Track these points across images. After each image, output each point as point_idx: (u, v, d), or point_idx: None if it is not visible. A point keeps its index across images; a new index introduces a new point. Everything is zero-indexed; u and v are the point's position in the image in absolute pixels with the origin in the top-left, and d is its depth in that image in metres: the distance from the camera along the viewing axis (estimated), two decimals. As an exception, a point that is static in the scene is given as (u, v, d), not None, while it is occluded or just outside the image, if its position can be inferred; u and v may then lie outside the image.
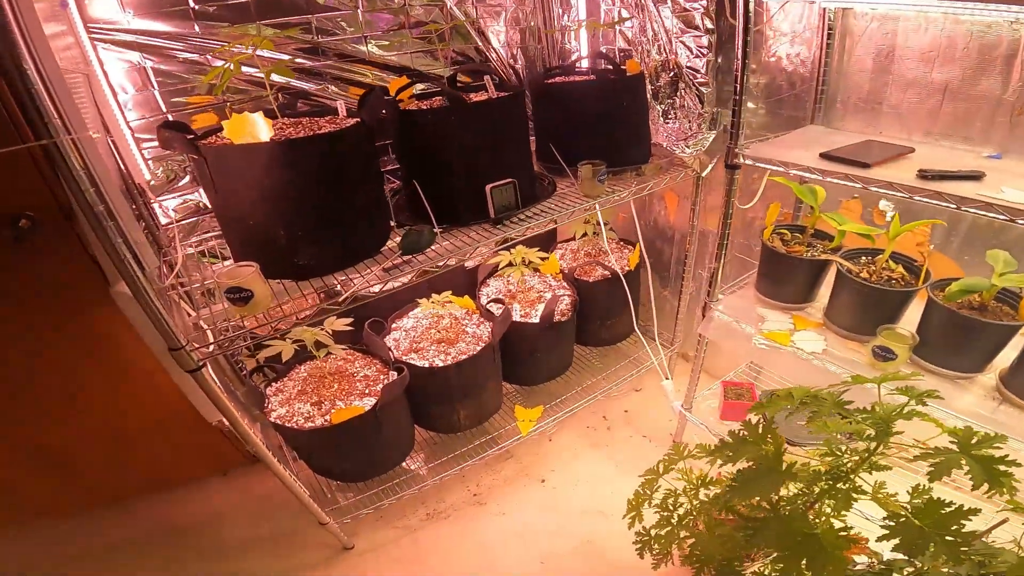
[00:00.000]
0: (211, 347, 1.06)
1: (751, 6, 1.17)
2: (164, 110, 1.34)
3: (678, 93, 1.73)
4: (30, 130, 0.75)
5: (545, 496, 1.76)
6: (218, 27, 1.36)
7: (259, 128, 0.97)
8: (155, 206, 1.39)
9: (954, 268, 1.35)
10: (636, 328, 1.76)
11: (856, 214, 1.50)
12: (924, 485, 0.84)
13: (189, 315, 1.16)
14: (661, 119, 1.79)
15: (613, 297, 1.85)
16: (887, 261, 1.28)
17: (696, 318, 1.62)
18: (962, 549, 0.72)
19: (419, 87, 1.63)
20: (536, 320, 1.73)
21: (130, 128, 1.29)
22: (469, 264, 2.09)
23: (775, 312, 1.42)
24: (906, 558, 0.82)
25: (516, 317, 1.77)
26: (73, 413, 1.53)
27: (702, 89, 1.64)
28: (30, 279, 1.26)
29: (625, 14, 1.77)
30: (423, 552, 1.62)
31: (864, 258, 1.33)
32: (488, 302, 1.76)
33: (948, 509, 0.75)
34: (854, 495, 0.85)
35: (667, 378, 1.74)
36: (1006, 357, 1.15)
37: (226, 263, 1.36)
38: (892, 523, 0.78)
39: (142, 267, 0.89)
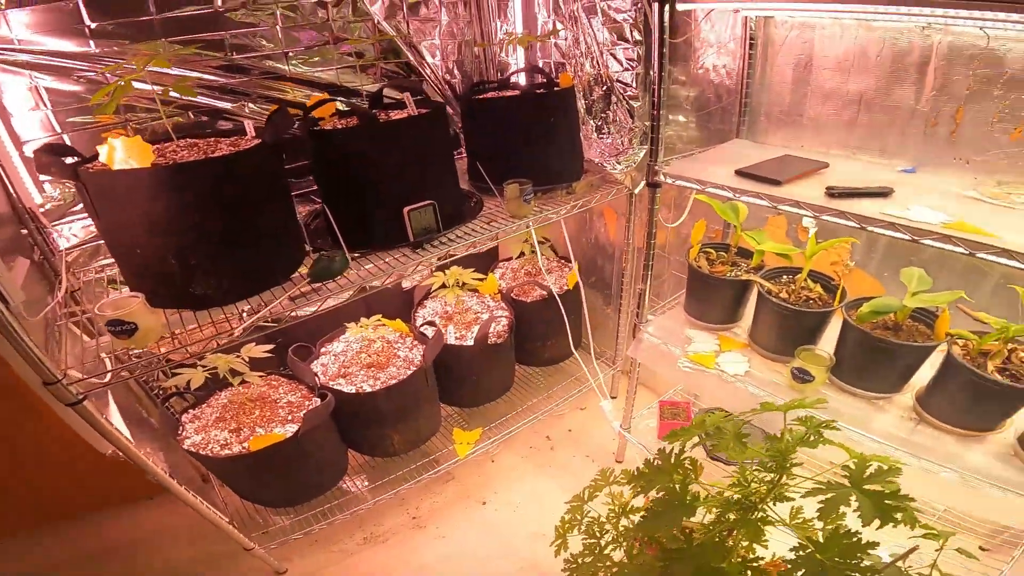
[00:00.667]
0: (107, 376, 1.02)
1: (666, 19, 1.18)
2: (59, 131, 1.30)
3: (611, 107, 1.75)
4: None
5: (487, 518, 1.75)
6: (121, 45, 1.33)
7: (137, 153, 0.95)
8: (54, 230, 1.35)
9: (875, 285, 1.38)
10: (572, 348, 1.75)
11: (782, 231, 1.53)
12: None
13: (86, 344, 1.13)
14: (595, 134, 1.80)
15: (551, 317, 1.85)
16: (805, 280, 1.30)
17: (629, 339, 1.63)
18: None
19: (344, 102, 1.62)
20: (471, 343, 1.72)
21: (19, 150, 1.24)
22: (406, 285, 2.08)
23: (702, 333, 1.43)
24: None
25: (451, 339, 1.75)
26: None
27: (632, 103, 1.65)
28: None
29: (559, 27, 1.79)
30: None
31: (785, 277, 1.36)
32: (422, 325, 1.74)
33: (850, 541, 0.75)
34: (763, 525, 0.86)
35: (605, 398, 1.74)
36: (924, 376, 1.17)
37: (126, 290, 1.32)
38: (798, 555, 0.79)
39: (5, 301, 0.85)
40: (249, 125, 1.25)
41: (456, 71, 1.95)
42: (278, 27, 1.55)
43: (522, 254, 2.05)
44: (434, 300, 1.97)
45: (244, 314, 1.14)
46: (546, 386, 2.02)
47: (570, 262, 2.06)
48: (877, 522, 0.72)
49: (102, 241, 1.42)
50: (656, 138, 1.29)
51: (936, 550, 0.81)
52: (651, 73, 1.57)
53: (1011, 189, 1.09)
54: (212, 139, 1.20)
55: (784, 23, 1.38)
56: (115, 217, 1.01)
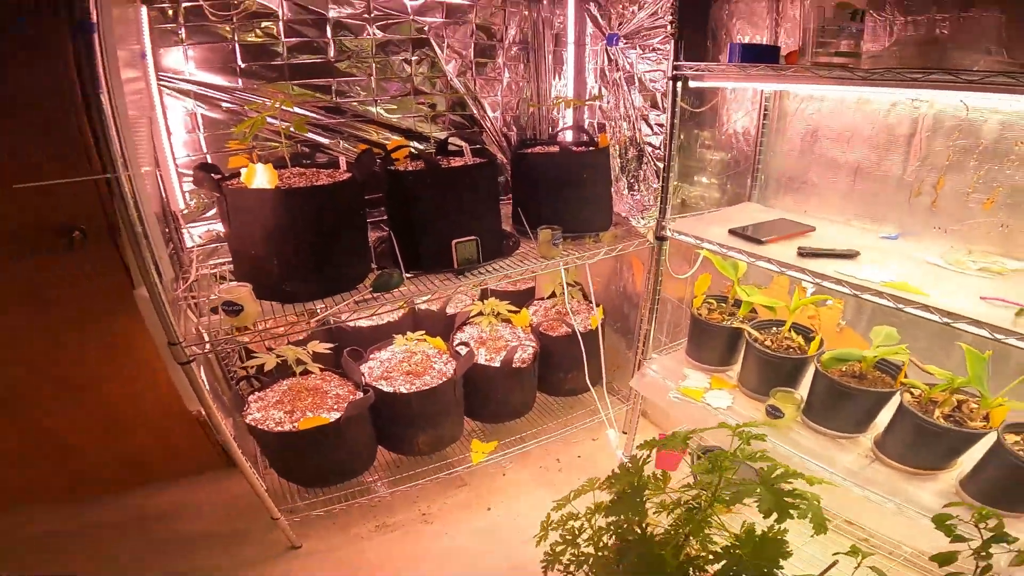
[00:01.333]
0: (205, 347, 1.37)
1: (678, 102, 1.49)
2: (204, 151, 1.71)
3: (642, 167, 2.05)
4: (100, 162, 1.09)
5: (490, 522, 1.97)
6: (259, 84, 1.75)
7: (268, 178, 1.31)
8: (185, 231, 1.74)
9: (862, 343, 1.58)
10: (588, 381, 2.01)
11: (784, 288, 1.76)
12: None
13: (194, 322, 1.48)
14: (626, 191, 2.11)
15: (573, 352, 2.11)
16: (789, 332, 1.53)
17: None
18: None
19: (416, 147, 2.00)
20: (497, 364, 2.00)
21: (176, 164, 1.66)
22: (450, 311, 2.40)
23: (698, 373, 1.67)
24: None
25: (481, 360, 2.04)
26: (80, 402, 1.84)
27: (659, 164, 1.95)
28: (71, 284, 1.60)
29: (603, 92, 2.12)
30: (365, 560, 1.83)
31: (774, 329, 1.59)
32: (457, 344, 2.05)
33: (765, 539, 0.97)
34: (704, 522, 1.08)
35: (613, 428, 1.98)
36: (884, 420, 1.37)
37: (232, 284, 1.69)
38: (725, 550, 1.01)
39: (160, 277, 1.21)
40: (343, 160, 1.62)
41: (513, 125, 2.31)
42: (372, 78, 1.95)
43: (554, 294, 2.34)
44: (472, 326, 2.27)
45: (319, 310, 1.47)
46: (562, 413, 2.27)
47: (596, 305, 2.34)
48: (775, 516, 0.94)
49: (215, 245, 1.82)
50: (664, 198, 1.58)
51: (855, 566, 1.01)
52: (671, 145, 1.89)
53: (977, 257, 1.27)
54: (313, 169, 1.58)
55: (795, 95, 1.59)
56: (242, 223, 1.37)
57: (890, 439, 1.33)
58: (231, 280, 1.73)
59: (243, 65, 1.72)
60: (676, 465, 1.78)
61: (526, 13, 2.17)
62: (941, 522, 0.88)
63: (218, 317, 1.39)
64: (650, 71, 1.87)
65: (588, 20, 2.07)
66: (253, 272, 1.43)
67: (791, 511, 0.94)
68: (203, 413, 1.48)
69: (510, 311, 2.13)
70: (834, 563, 1.08)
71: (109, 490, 2.08)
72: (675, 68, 1.42)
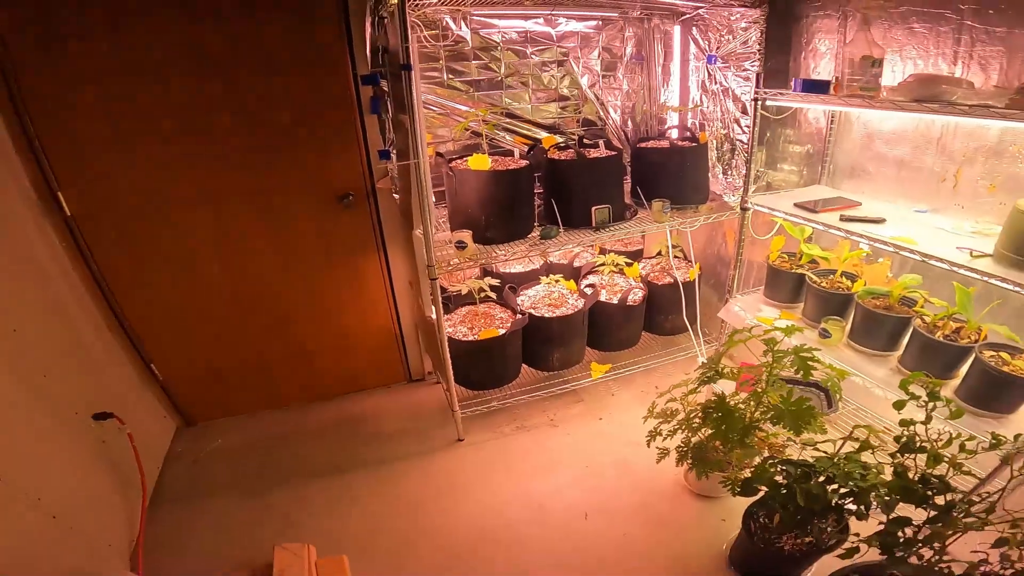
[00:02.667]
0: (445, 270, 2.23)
1: (758, 117, 2.18)
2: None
3: (734, 157, 2.74)
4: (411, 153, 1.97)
5: (600, 428, 2.71)
6: (461, 93, 2.59)
7: (486, 163, 2.16)
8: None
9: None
10: (686, 322, 2.74)
11: (846, 248, 2.39)
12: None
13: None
14: (721, 175, 2.80)
15: (673, 298, 2.85)
16: (840, 277, 2.20)
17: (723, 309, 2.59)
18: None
19: (559, 140, 2.79)
20: (615, 302, 2.77)
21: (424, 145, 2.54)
22: (576, 264, 3.19)
23: (770, 308, 2.37)
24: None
25: (602, 298, 2.82)
26: (326, 324, 2.74)
27: (746, 155, 2.63)
28: (343, 231, 2.53)
29: (704, 99, 2.82)
30: (509, 450, 2.60)
31: (830, 276, 2.25)
32: (585, 286, 2.84)
33: (804, 406, 1.67)
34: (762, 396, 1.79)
35: (703, 357, 2.70)
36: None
37: (443, 234, 2.55)
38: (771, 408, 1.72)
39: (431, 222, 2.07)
40: (516, 151, 2.44)
41: (630, 123, 3.05)
42: (529, 89, 2.75)
43: (659, 254, 3.08)
44: (594, 275, 3.05)
45: (503, 254, 2.30)
46: (662, 348, 3.01)
47: (693, 263, 3.05)
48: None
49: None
50: (747, 180, 2.28)
51: (864, 438, 1.67)
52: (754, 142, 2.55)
53: (977, 225, 1.84)
54: (500, 156, 2.41)
55: (853, 107, 2.25)
56: (462, 192, 2.22)
57: (908, 355, 1.95)
58: (440, 230, 2.61)
59: (446, 77, 2.55)
60: (749, 388, 2.47)
61: (641, 34, 2.89)
62: (904, 385, 1.44)
63: (444, 253, 2.25)
64: (740, 86, 2.56)
65: (691, 42, 2.77)
66: (467, 224, 2.27)
67: (812, 371, 1.64)
68: (433, 317, 2.33)
69: (626, 262, 2.89)
70: (851, 433, 1.68)
71: (332, 395, 3.00)
72: (756, 93, 2.12)
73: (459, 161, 2.32)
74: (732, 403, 1.89)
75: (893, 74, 1.99)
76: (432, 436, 2.71)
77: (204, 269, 2.42)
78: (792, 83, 1.98)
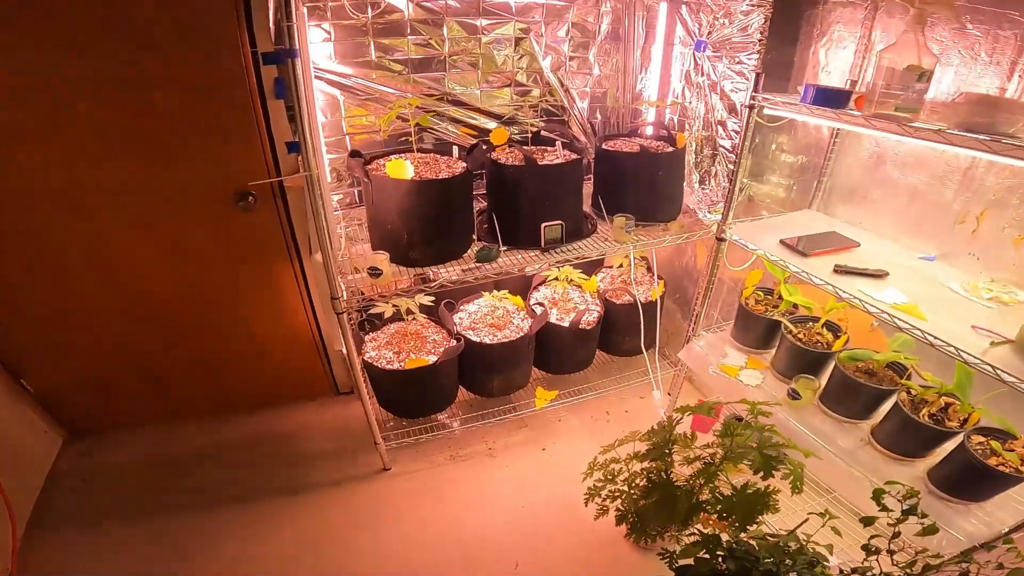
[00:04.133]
0: (354, 301, 1.86)
1: (751, 128, 1.79)
2: (345, 132, 2.17)
3: (714, 166, 2.36)
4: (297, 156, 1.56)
5: (543, 460, 2.45)
6: (390, 75, 2.15)
7: (406, 170, 1.76)
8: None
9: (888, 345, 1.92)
10: (642, 346, 2.42)
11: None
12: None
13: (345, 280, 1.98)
14: (697, 185, 2.43)
15: (632, 318, 2.53)
16: (821, 328, 1.89)
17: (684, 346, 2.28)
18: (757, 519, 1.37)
19: (513, 131, 2.38)
20: (566, 324, 2.44)
21: (324, 144, 2.12)
22: (529, 271, 2.82)
23: (737, 352, 2.06)
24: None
25: (553, 319, 2.48)
26: (233, 332, 2.39)
27: (730, 166, 2.25)
28: (245, 237, 2.13)
29: (687, 93, 2.41)
30: (440, 482, 2.35)
31: (810, 324, 1.94)
32: (534, 304, 2.49)
33: (754, 493, 1.39)
34: (717, 477, 1.51)
35: (659, 389, 2.40)
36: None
37: (361, 245, 2.17)
38: (723, 499, 1.44)
39: (332, 245, 1.69)
40: (455, 149, 2.04)
41: (599, 114, 2.64)
42: (479, 71, 2.32)
43: (621, 265, 2.73)
44: (546, 287, 2.71)
45: (431, 274, 1.93)
46: (617, 371, 2.71)
47: (659, 278, 2.72)
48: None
49: (342, 210, 2.30)
50: (728, 205, 1.91)
51: (821, 525, 1.38)
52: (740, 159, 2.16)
53: (995, 286, 1.54)
54: (433, 155, 2.01)
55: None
56: (381, 203, 1.83)
57: (882, 428, 1.68)
58: (360, 241, 2.23)
59: (374, 58, 2.11)
60: (709, 429, 2.19)
61: (620, 8, 2.45)
62: (877, 495, 1.20)
63: (360, 276, 1.88)
64: (732, 83, 2.15)
65: (679, 23, 2.34)
66: (386, 240, 1.89)
67: (774, 470, 1.35)
68: (343, 351, 2.00)
69: (581, 278, 2.54)
70: (805, 520, 1.42)
71: (245, 408, 2.69)
72: (752, 99, 1.72)
73: (379, 163, 1.91)
74: (677, 480, 1.61)
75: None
76: (356, 461, 2.45)
77: (74, 276, 2.04)
78: (803, 90, 1.58)
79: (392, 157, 1.86)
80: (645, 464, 1.76)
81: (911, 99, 1.40)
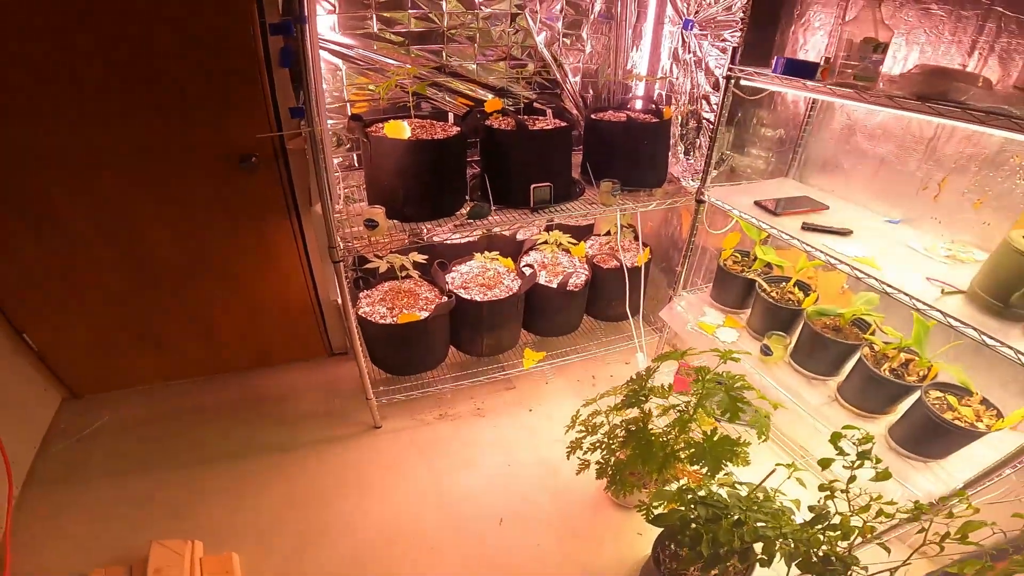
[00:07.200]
0: (349, 249, 1.94)
1: (730, 94, 1.88)
2: (346, 99, 2.24)
3: (699, 137, 2.45)
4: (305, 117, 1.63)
5: (529, 421, 2.54)
6: (391, 46, 2.23)
7: (404, 131, 1.83)
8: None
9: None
10: (628, 310, 2.51)
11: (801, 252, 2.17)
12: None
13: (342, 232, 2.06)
14: (682, 155, 2.51)
15: (618, 284, 2.61)
16: (793, 287, 1.97)
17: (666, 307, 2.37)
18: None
19: (507, 102, 2.46)
20: (555, 286, 2.53)
21: (325, 110, 2.20)
22: (520, 236, 2.91)
23: (715, 311, 2.15)
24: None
25: (542, 281, 2.57)
26: (231, 292, 2.46)
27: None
28: (247, 196, 2.21)
29: (674, 69, 2.49)
30: (429, 440, 2.43)
31: (783, 284, 2.03)
32: (523, 265, 2.58)
33: (724, 440, 1.47)
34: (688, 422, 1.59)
35: (642, 352, 2.49)
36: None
37: (359, 204, 2.25)
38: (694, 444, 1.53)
39: (332, 198, 1.77)
40: (451, 116, 2.11)
41: (591, 89, 2.72)
42: (476, 45, 2.39)
43: (609, 232, 2.81)
44: (537, 251, 2.80)
45: (425, 231, 2.02)
46: (603, 336, 2.81)
47: (645, 245, 2.80)
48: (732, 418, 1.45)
49: (341, 172, 2.38)
50: (706, 170, 2.00)
51: (787, 477, 1.46)
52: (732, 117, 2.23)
53: (953, 247, 1.63)
54: (430, 121, 2.08)
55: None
56: (379, 162, 1.92)
57: (847, 385, 1.78)
58: (356, 200, 2.31)
59: (377, 30, 2.18)
60: (686, 387, 2.29)
61: (614, -15, 2.52)
62: (834, 439, 1.28)
63: (357, 229, 1.96)
64: (716, 59, 2.23)
65: (668, 2, 2.41)
66: (382, 198, 1.98)
67: (741, 413, 1.44)
68: (339, 301, 2.08)
69: (570, 243, 2.63)
70: (772, 471, 1.48)
71: (239, 368, 2.77)
72: (730, 71, 1.81)
73: (378, 126, 1.98)
74: (653, 430, 1.69)
75: (894, 60, 1.71)
76: (348, 420, 2.53)
77: (80, 236, 2.11)
78: (773, 62, 1.66)
79: (391, 120, 1.94)
80: (625, 415, 1.85)
81: (868, 69, 1.51)
